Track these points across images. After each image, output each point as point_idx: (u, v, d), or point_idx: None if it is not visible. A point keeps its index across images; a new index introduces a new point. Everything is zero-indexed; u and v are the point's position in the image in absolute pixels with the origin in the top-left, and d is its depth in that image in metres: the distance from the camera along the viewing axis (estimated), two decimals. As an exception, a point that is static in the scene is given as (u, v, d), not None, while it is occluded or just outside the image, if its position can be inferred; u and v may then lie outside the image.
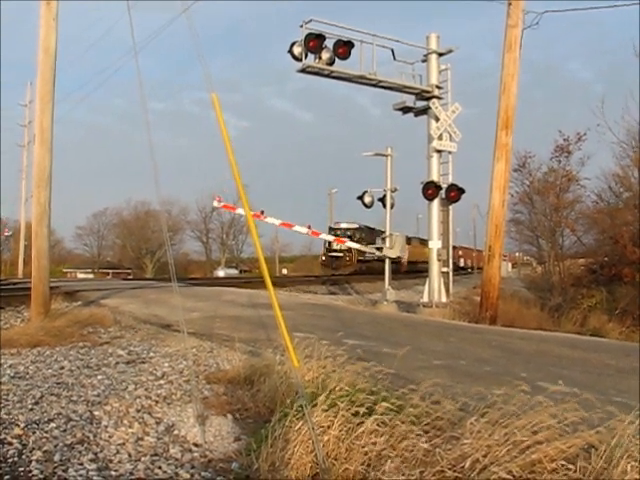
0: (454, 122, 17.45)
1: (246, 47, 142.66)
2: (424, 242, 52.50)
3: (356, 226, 48.74)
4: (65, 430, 4.91)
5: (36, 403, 5.69)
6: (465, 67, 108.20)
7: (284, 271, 68.81)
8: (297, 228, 33.95)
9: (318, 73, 16.45)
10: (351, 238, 45.67)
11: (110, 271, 74.14)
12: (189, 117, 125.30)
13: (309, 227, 33.41)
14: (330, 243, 46.29)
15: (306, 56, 15.68)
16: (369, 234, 48.30)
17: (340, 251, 46.41)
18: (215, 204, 43.59)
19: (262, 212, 20.27)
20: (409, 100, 18.16)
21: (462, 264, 73.77)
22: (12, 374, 7.05)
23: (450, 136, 17.54)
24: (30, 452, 4.42)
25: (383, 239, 20.42)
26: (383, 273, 42.42)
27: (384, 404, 4.34)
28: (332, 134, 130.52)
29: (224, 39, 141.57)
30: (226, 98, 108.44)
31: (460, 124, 17.65)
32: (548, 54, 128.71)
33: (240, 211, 38.80)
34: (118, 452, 4.52)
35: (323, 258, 49.43)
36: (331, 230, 47.84)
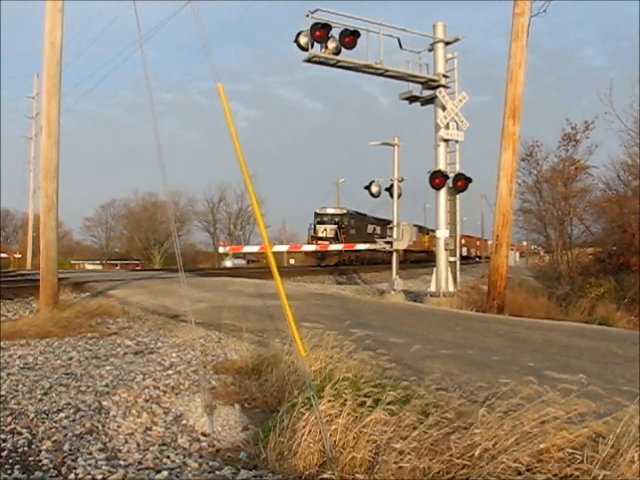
0: (461, 111, 17.38)
1: (254, 37, 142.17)
2: (422, 230, 51.36)
3: (344, 212, 45.80)
4: (74, 420, 4.94)
5: (45, 393, 5.72)
6: (473, 55, 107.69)
7: (291, 261, 68.75)
8: (305, 247, 34.00)
9: (324, 63, 16.41)
10: (339, 225, 43.35)
11: (118, 262, 74.39)
12: (197, 107, 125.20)
13: (317, 243, 33.14)
14: (315, 231, 43.83)
15: (312, 46, 15.63)
16: (359, 220, 46.10)
17: (326, 239, 42.16)
18: (221, 249, 42.96)
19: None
20: (416, 89, 18.10)
21: (465, 253, 72.63)
22: (21, 365, 7.10)
23: (457, 125, 17.47)
24: (40, 442, 4.45)
25: (390, 229, 20.33)
26: (374, 263, 41.34)
27: (391, 393, 4.34)
28: (340, 123, 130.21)
29: (231, 29, 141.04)
30: (235, 88, 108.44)
31: (468, 112, 17.60)
32: (560, 41, 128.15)
33: (248, 248, 38.88)
34: (127, 442, 4.54)
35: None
36: (317, 216, 45.17)
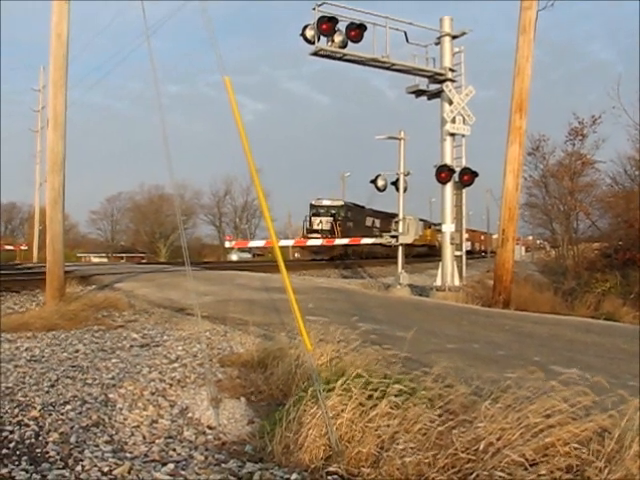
0: (468, 105, 17.34)
1: (261, 30, 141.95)
2: (424, 224, 50.50)
3: (340, 203, 43.38)
4: (81, 412, 4.97)
5: (52, 386, 5.74)
6: (481, 48, 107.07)
7: (297, 255, 68.65)
8: (311, 242, 33.58)
9: (331, 56, 16.37)
10: (334, 217, 41.11)
11: (124, 255, 74.51)
12: (204, 100, 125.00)
13: (323, 237, 32.64)
14: (311, 224, 41.50)
15: (319, 39, 15.61)
16: (356, 212, 44.10)
17: (322, 232, 40.08)
18: (227, 244, 42.14)
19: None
20: (422, 83, 18.07)
21: (469, 247, 71.11)
22: (28, 357, 7.13)
23: (464, 119, 17.44)
24: (47, 434, 4.47)
25: (396, 222, 20.27)
26: (373, 257, 40.40)
27: (397, 387, 4.35)
28: (347, 116, 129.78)
29: (238, 22, 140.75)
30: (242, 81, 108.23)
31: (476, 107, 17.56)
32: (568, 35, 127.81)
33: (254, 243, 38.26)
34: (133, 434, 4.57)
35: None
36: (312, 207, 42.74)
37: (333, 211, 41.89)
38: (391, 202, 20.09)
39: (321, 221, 41.19)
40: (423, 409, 4.12)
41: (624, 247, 28.20)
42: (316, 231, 40.39)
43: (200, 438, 4.56)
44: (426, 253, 47.68)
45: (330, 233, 39.53)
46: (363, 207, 45.78)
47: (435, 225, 51.01)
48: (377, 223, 46.29)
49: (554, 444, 3.64)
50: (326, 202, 42.86)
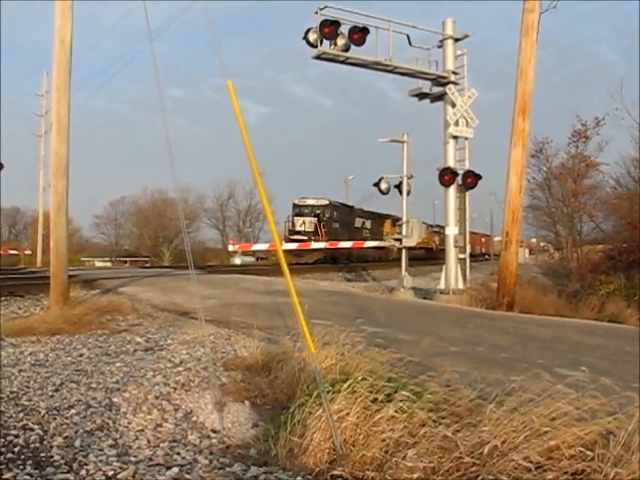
0: (471, 108, 17.35)
1: (265, 33, 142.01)
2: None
3: (325, 202, 39.79)
4: (85, 416, 4.97)
5: (56, 390, 5.75)
6: (485, 51, 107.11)
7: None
8: (314, 245, 33.18)
9: (333, 60, 16.40)
10: (319, 217, 38.46)
11: (128, 259, 74.47)
12: (207, 103, 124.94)
13: (327, 240, 32.22)
14: (293, 225, 38.91)
15: (321, 42, 15.63)
16: (343, 213, 41.43)
17: (305, 233, 37.53)
18: (230, 247, 41.03)
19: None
20: (425, 86, 18.08)
21: (469, 250, 68.79)
22: (32, 361, 7.13)
23: (467, 122, 17.44)
24: (51, 438, 4.47)
25: (400, 226, 20.28)
26: (364, 261, 39.55)
27: (402, 391, 4.33)
28: (352, 119, 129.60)
29: (242, 25, 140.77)
30: (246, 84, 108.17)
31: (480, 109, 17.58)
32: (572, 36, 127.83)
33: (257, 246, 37.53)
34: (137, 438, 4.56)
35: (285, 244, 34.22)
36: (295, 207, 39.97)
37: (317, 211, 39.17)
38: (391, 204, 20.15)
39: (304, 222, 38.75)
40: (428, 413, 4.11)
41: (628, 249, 28.14)
42: (299, 233, 37.96)
43: (204, 442, 4.55)
44: (423, 256, 46.75)
45: (314, 235, 37.19)
46: (352, 207, 43.65)
47: (432, 227, 50.36)
48: (367, 224, 44.56)
49: (559, 447, 3.62)
50: (310, 201, 40.01)
